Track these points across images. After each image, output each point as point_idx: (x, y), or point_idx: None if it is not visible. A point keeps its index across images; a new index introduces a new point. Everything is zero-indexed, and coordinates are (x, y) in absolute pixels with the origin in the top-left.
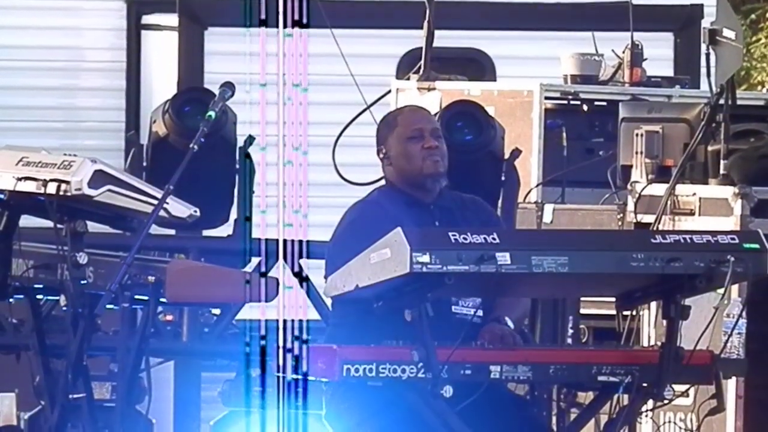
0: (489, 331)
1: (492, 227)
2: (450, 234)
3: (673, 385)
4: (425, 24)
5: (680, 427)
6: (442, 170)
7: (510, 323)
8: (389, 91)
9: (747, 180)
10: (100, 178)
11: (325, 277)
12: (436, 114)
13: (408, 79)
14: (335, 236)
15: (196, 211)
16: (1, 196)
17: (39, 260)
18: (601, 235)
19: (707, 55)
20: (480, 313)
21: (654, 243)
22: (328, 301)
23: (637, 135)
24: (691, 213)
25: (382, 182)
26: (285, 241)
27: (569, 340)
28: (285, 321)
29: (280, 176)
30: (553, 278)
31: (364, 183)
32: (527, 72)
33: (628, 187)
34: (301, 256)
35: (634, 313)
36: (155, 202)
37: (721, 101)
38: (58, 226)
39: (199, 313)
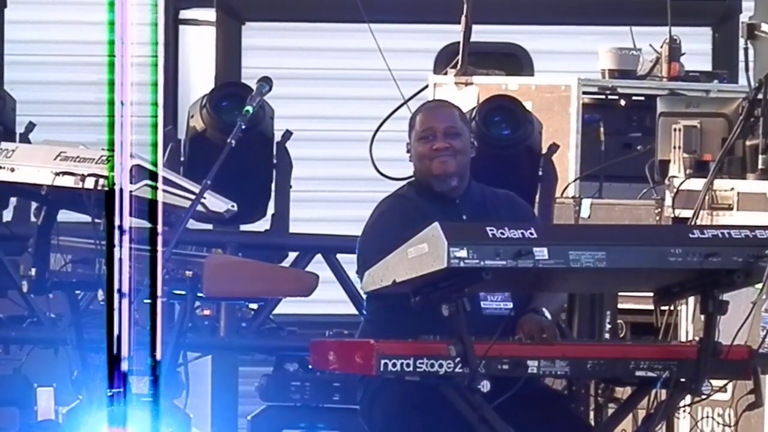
0: (528, 322)
1: (528, 222)
2: (487, 229)
3: (711, 381)
4: (463, 19)
5: (718, 423)
6: (451, 170)
7: (548, 315)
8: (426, 86)
9: None
10: (137, 172)
11: (358, 272)
12: (473, 109)
13: (445, 73)
14: (366, 229)
15: (233, 206)
16: (40, 191)
17: (77, 255)
18: (638, 230)
19: (745, 49)
20: (510, 305)
21: (692, 238)
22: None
23: (675, 130)
24: (729, 208)
25: None
26: (320, 235)
27: (607, 335)
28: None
29: None
30: (591, 273)
31: (401, 178)
32: (565, 67)
33: (666, 182)
34: (337, 251)
35: (672, 308)
36: (192, 196)
37: (760, 96)
38: (96, 220)
39: (237, 308)
